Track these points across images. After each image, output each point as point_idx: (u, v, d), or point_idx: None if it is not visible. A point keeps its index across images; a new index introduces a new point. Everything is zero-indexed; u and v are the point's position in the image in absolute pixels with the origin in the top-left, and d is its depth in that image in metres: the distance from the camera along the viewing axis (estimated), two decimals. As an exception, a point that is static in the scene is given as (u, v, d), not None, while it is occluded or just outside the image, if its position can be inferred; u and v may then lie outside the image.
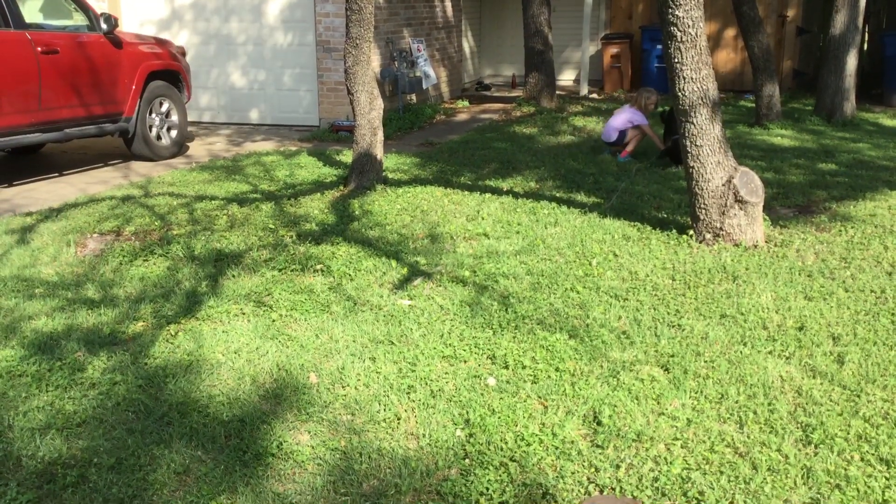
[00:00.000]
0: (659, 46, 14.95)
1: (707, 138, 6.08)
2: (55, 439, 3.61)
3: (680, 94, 6.09)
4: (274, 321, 4.96)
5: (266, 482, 3.35)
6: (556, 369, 4.23)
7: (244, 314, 5.07)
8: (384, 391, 4.06)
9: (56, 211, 7.51)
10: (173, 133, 10.66)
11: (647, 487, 3.23)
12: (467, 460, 3.49)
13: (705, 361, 4.24)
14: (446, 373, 4.25)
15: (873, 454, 3.32)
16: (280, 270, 5.83)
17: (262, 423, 3.79)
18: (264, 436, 3.67)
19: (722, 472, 3.27)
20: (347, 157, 9.66)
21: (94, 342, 4.60)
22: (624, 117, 9.76)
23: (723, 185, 6.10)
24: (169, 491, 3.28)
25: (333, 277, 5.68)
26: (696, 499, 3.13)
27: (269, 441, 3.62)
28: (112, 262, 6.09)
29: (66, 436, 3.65)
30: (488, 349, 4.49)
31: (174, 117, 10.65)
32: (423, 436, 3.68)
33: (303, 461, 3.51)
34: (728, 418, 3.69)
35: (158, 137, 10.43)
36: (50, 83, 8.81)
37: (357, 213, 7.38)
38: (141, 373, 4.25)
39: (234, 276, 5.74)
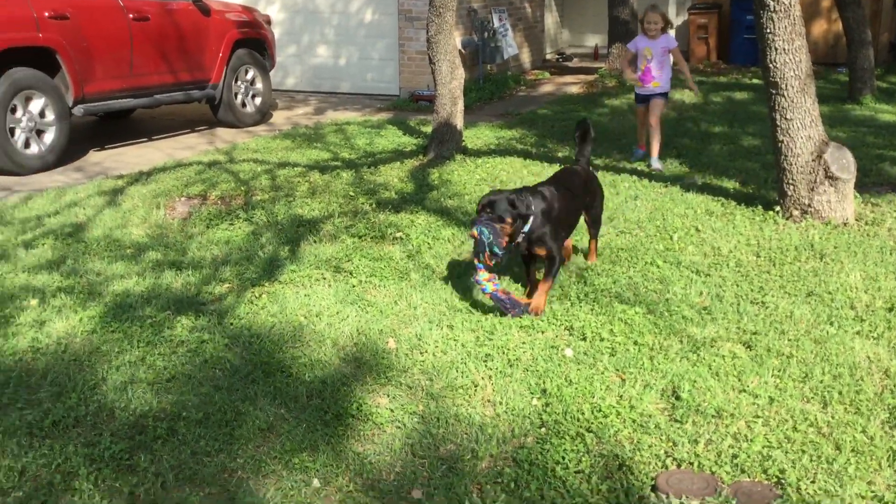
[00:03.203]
0: (749, 17, 14.49)
1: (798, 111, 5.89)
2: (146, 393, 3.77)
3: (771, 65, 5.91)
4: (354, 287, 5.05)
5: (346, 442, 3.43)
6: (635, 343, 4.20)
7: (325, 279, 5.16)
8: (461, 358, 4.10)
9: (145, 174, 7.75)
10: (257, 101, 10.85)
11: (725, 463, 3.20)
12: (543, 429, 3.51)
13: (789, 340, 4.15)
14: (523, 342, 4.26)
15: (966, 440, 3.22)
16: (359, 237, 5.91)
17: (342, 385, 3.87)
18: (345, 397, 3.75)
19: (804, 452, 3.22)
20: (427, 126, 9.69)
21: (182, 302, 4.76)
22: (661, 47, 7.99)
23: (812, 160, 5.92)
24: (254, 446, 3.39)
25: (412, 246, 5.73)
26: (777, 476, 3.09)
27: (349, 402, 3.70)
28: (198, 225, 6.27)
29: (155, 390, 3.80)
30: (566, 320, 4.48)
31: (258, 85, 10.83)
32: (500, 403, 3.71)
33: (381, 423, 3.58)
34: (812, 398, 3.62)
35: (243, 105, 10.63)
36: (141, 49, 9.06)
37: (436, 182, 7.42)
38: (227, 332, 4.38)
39: (314, 241, 5.84)
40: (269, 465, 3.27)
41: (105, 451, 3.29)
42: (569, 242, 5.30)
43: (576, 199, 5.04)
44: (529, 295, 4.83)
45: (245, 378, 3.93)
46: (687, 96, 11.37)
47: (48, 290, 4.87)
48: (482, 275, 4.47)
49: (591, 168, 5.52)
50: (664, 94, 8.10)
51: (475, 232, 4.40)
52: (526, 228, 4.56)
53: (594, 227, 5.34)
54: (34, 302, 4.68)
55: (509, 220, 4.46)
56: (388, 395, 3.80)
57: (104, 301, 4.74)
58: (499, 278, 4.67)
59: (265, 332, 4.40)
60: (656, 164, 7.88)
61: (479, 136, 9.57)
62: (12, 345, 4.17)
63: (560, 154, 8.51)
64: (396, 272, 5.27)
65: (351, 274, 5.24)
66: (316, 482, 3.17)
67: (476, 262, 4.49)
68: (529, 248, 4.69)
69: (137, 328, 4.37)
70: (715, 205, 6.51)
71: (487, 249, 4.36)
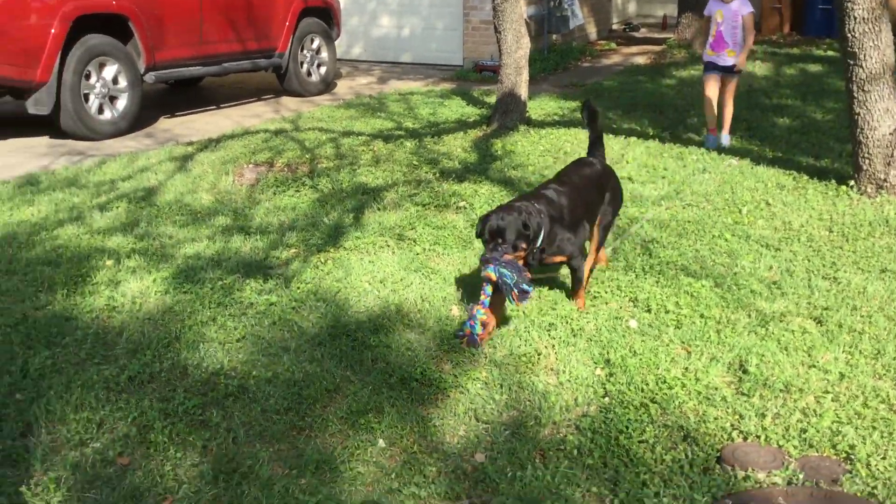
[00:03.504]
0: (825, -14, 14.04)
1: (876, 84, 5.71)
2: (217, 352, 3.86)
3: (849, 35, 5.72)
4: (417, 255, 5.08)
5: (410, 405, 3.48)
6: (701, 316, 4.15)
7: (388, 246, 5.21)
8: (524, 327, 4.10)
9: (214, 142, 7.89)
10: (322, 70, 10.93)
11: (793, 438, 3.16)
12: (607, 399, 3.50)
13: (862, 316, 4.05)
14: (587, 313, 4.25)
15: None
16: (423, 206, 5.93)
17: (406, 350, 3.92)
18: (409, 362, 3.79)
19: (875, 428, 3.16)
20: (490, 97, 9.65)
21: (250, 265, 4.86)
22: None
23: (890, 133, 5.74)
24: (321, 406, 3.46)
25: (476, 215, 5.74)
26: (846, 452, 3.04)
27: (413, 367, 3.74)
28: (265, 191, 6.37)
29: (226, 350, 3.89)
30: (630, 292, 4.45)
31: (324, 54, 10.90)
32: (563, 372, 3.71)
33: (445, 388, 3.61)
34: (884, 375, 3.54)
35: (308, 74, 10.72)
36: (210, 18, 9.19)
37: (499, 152, 7.39)
38: (294, 296, 4.46)
39: (378, 209, 5.89)
40: (336, 424, 3.34)
41: (179, 406, 3.39)
42: (602, 253, 4.79)
43: (588, 191, 4.47)
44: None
45: (311, 341, 4.00)
46: (758, 68, 11.10)
47: (122, 251, 5.02)
48: (479, 312, 3.86)
49: (606, 163, 4.85)
50: (737, 69, 7.44)
51: (492, 275, 3.78)
52: (538, 242, 4.02)
53: (603, 232, 4.66)
54: (109, 262, 4.82)
55: (524, 245, 3.93)
56: (452, 362, 3.83)
57: (175, 263, 4.86)
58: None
59: (331, 296, 4.47)
60: (726, 140, 7.57)
61: (543, 106, 9.50)
62: (89, 303, 4.31)
63: (625, 126, 8.40)
64: (460, 241, 5.29)
65: (414, 242, 5.27)
66: (381, 442, 3.23)
67: (478, 306, 3.87)
68: (543, 260, 4.18)
69: (208, 290, 4.48)
70: (786, 179, 6.37)
71: (515, 290, 3.77)
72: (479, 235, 4.04)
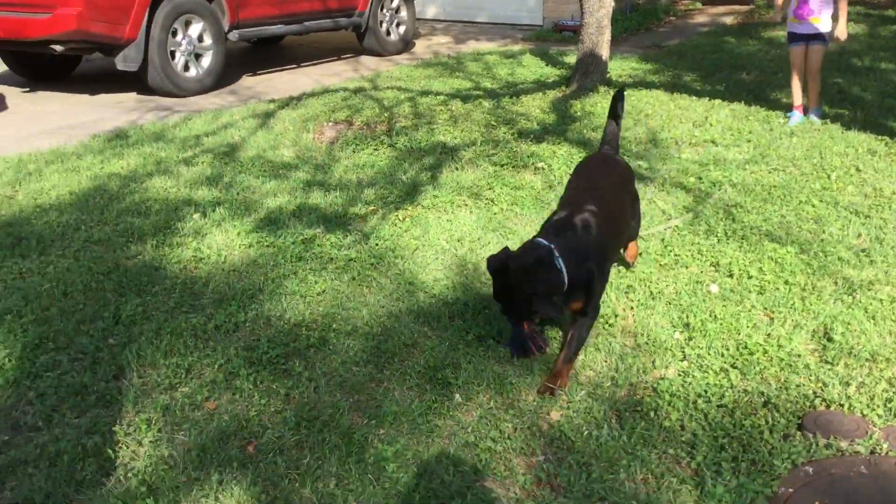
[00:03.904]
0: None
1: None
2: (298, 304, 3.95)
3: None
4: (495, 214, 5.08)
5: (487, 362, 3.51)
6: (786, 282, 4.06)
7: (466, 205, 5.22)
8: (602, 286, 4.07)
9: (295, 99, 7.99)
10: (401, 29, 10.92)
11: (878, 407, 3.08)
12: (685, 362, 3.47)
13: (956, 287, 3.91)
14: (666, 276, 4.20)
15: None
16: (500, 166, 5.92)
17: (484, 308, 3.94)
18: (485, 320, 3.82)
19: (967, 402, 3.06)
20: (570, 57, 9.51)
21: (330, 221, 4.93)
22: None
23: None
24: (399, 360, 3.52)
25: (554, 176, 5.70)
26: (936, 424, 2.96)
27: (490, 325, 3.77)
28: (344, 149, 6.43)
29: (307, 302, 3.98)
30: (712, 256, 4.38)
31: (403, 14, 10.89)
32: (641, 334, 3.69)
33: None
34: (979, 348, 3.42)
35: (388, 33, 10.73)
36: (293, -23, 9.26)
37: (578, 113, 7.30)
38: (372, 252, 4.52)
39: (455, 168, 5.89)
40: (414, 378, 3.39)
41: (263, 355, 3.49)
42: (633, 247, 4.19)
43: (622, 206, 3.80)
44: None
45: (390, 296, 4.05)
46: (850, 29, 10.64)
47: (207, 204, 5.15)
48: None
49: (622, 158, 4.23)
50: (824, 38, 6.74)
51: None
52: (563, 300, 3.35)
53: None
54: (196, 215, 4.96)
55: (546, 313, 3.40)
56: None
57: (258, 216, 4.97)
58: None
59: (409, 254, 4.52)
60: (816, 115, 6.92)
61: (623, 67, 9.32)
62: (177, 254, 4.45)
63: (709, 87, 8.19)
64: (538, 201, 5.26)
65: (492, 201, 5.27)
66: (458, 397, 3.27)
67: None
68: (564, 311, 3.44)
69: (289, 244, 4.57)
70: (878, 144, 6.13)
71: (534, 344, 3.48)
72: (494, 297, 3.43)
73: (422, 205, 5.22)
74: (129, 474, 2.79)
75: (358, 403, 3.23)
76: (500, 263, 3.29)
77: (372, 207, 5.21)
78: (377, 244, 4.64)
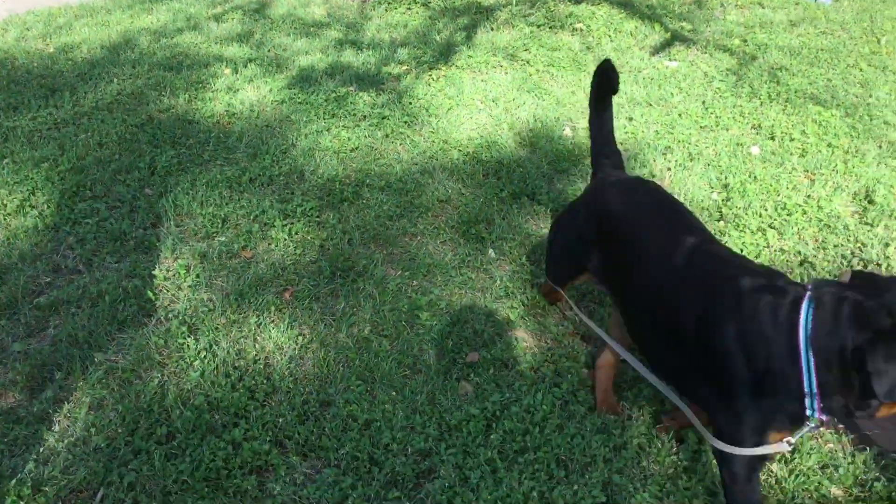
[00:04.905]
0: None
1: None
2: (332, 160, 3.93)
3: None
4: (530, 75, 4.96)
5: (520, 219, 3.49)
6: (829, 145, 3.96)
7: (501, 66, 5.09)
8: (640, 149, 4.01)
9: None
10: None
11: (918, 268, 3.06)
12: (722, 222, 3.43)
13: None
14: (706, 138, 4.11)
15: None
16: (537, 27, 5.73)
17: (518, 166, 3.90)
18: (520, 178, 3.78)
19: None
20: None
21: (363, 79, 4.84)
22: None
23: None
24: (432, 214, 3.51)
25: (592, 37, 5.53)
26: (976, 285, 2.93)
27: (524, 183, 3.73)
28: (376, 7, 6.25)
29: (341, 158, 3.96)
30: (754, 119, 4.27)
31: None
32: (678, 194, 3.64)
33: (556, 207, 3.60)
34: None
35: None
36: None
37: (620, -26, 7.00)
38: (406, 111, 4.45)
39: (490, 29, 5.72)
40: (447, 232, 3.40)
41: (297, 207, 3.50)
42: None
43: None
44: None
45: (423, 154, 4.02)
46: None
47: (239, 60, 5.07)
48: None
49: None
50: None
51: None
52: None
53: None
54: (227, 71, 4.89)
55: None
56: (563, 180, 3.80)
57: (290, 74, 4.89)
58: None
59: (443, 112, 4.44)
60: None
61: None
62: (210, 108, 4.42)
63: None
64: (574, 63, 5.12)
65: (527, 63, 5.14)
66: (491, 252, 3.28)
67: None
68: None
69: (322, 100, 4.51)
70: (934, 7, 5.86)
71: None
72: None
73: (456, 65, 5.10)
74: (170, 315, 2.85)
75: (391, 256, 3.25)
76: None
77: (405, 67, 5.10)
78: (411, 103, 4.57)
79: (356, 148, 4.05)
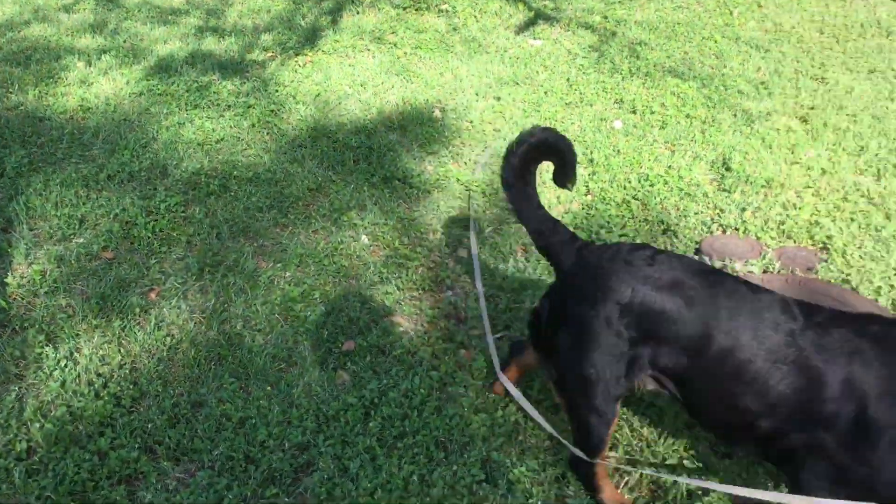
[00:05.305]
0: None
1: None
2: (196, 153, 3.80)
3: None
4: (399, 58, 4.93)
5: (393, 203, 3.48)
6: (687, 116, 4.11)
7: (369, 50, 5.05)
8: (508, 128, 4.05)
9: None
10: None
11: (771, 230, 3.20)
12: (589, 196, 3.51)
13: (847, 115, 4.02)
14: (571, 114, 4.19)
15: None
16: (402, 8, 5.70)
17: (388, 150, 3.87)
18: (391, 162, 3.76)
19: (853, 220, 3.20)
20: None
21: (226, 67, 4.70)
22: None
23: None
24: (303, 204, 3.45)
25: (458, 18, 5.54)
26: (823, 242, 3.10)
27: (395, 167, 3.72)
28: (239, -6, 6.08)
29: (206, 150, 3.83)
30: (616, 94, 4.38)
31: None
32: (546, 171, 3.69)
33: (428, 190, 3.60)
34: (865, 170, 3.55)
35: None
36: None
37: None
38: (272, 99, 4.35)
39: (356, 12, 5.66)
40: (319, 221, 3.34)
41: (160, 203, 3.37)
42: None
43: None
44: None
45: (292, 142, 3.94)
46: None
47: (92, 52, 4.83)
48: None
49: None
50: None
51: None
52: None
53: None
54: (80, 63, 4.65)
55: None
56: (434, 162, 3.80)
57: (148, 64, 4.70)
58: None
59: (310, 99, 4.37)
60: None
61: None
62: (62, 103, 4.19)
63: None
64: (442, 44, 5.12)
65: (395, 45, 5.11)
66: (365, 238, 3.25)
67: None
68: None
69: (183, 91, 4.36)
70: (779, -20, 6.14)
71: None
72: None
73: (322, 50, 5.02)
74: (26, 324, 2.70)
75: (262, 248, 3.18)
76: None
77: (270, 53, 4.99)
78: (277, 90, 4.47)
79: (221, 139, 3.93)
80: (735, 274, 1.98)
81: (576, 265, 2.08)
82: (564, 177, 2.25)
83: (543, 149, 2.23)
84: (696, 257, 3.05)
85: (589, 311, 1.97)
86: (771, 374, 1.83)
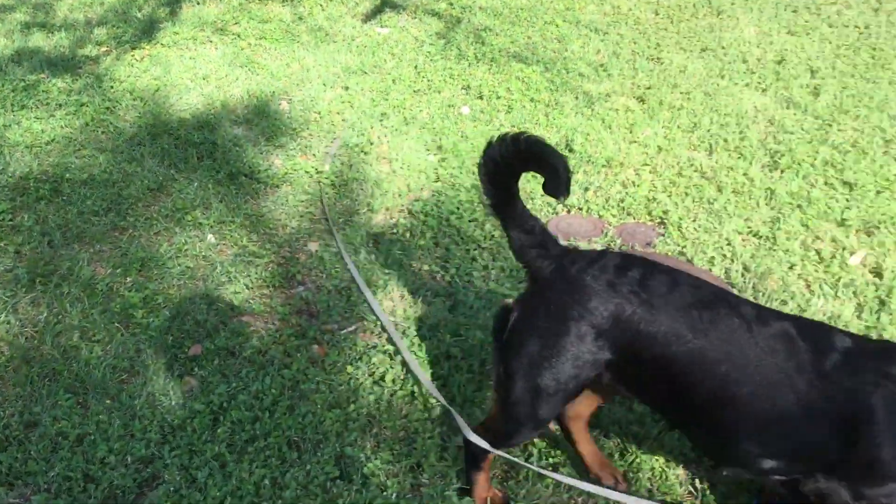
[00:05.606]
0: None
1: None
2: (24, 156, 3.58)
3: None
4: (242, 49, 4.80)
5: (239, 200, 3.38)
6: (531, 100, 4.18)
7: (211, 42, 4.89)
8: (357, 118, 4.01)
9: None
10: None
11: (613, 207, 3.30)
12: (439, 183, 3.52)
13: (681, 93, 4.19)
14: (420, 102, 4.19)
15: (837, 178, 3.38)
16: (247, -1, 5.56)
17: (234, 146, 3.76)
18: (237, 158, 3.66)
19: (687, 194, 3.34)
20: None
21: (56, 64, 4.45)
22: None
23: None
24: (143, 205, 3.31)
25: (304, 7, 5.44)
26: (660, 217, 3.22)
27: (241, 163, 3.62)
28: (69, -14, 5.76)
29: (35, 153, 3.61)
30: (463, 80, 4.40)
31: None
32: (396, 160, 3.68)
33: (276, 184, 3.52)
34: (698, 146, 3.71)
35: None
36: None
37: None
38: (107, 96, 4.15)
39: (196, 2, 5.46)
40: (161, 222, 3.22)
41: (-17, 212, 3.16)
42: None
43: None
44: None
45: (130, 141, 3.77)
46: None
47: None
48: None
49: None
50: None
51: None
52: None
53: None
54: None
55: None
56: (282, 156, 3.73)
57: (-32, 64, 4.39)
58: None
59: (149, 95, 4.19)
60: None
61: None
62: None
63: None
64: (288, 34, 5.02)
65: (238, 36, 4.96)
66: (211, 238, 3.15)
67: None
68: None
69: (9, 91, 4.09)
70: (616, -36, 6.33)
71: None
72: None
73: (161, 43, 4.83)
74: None
75: (100, 254, 3.03)
76: None
77: (104, 48, 4.75)
78: (112, 87, 4.26)
79: (52, 140, 3.72)
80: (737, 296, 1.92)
81: (555, 274, 1.96)
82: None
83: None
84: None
85: (561, 326, 1.88)
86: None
